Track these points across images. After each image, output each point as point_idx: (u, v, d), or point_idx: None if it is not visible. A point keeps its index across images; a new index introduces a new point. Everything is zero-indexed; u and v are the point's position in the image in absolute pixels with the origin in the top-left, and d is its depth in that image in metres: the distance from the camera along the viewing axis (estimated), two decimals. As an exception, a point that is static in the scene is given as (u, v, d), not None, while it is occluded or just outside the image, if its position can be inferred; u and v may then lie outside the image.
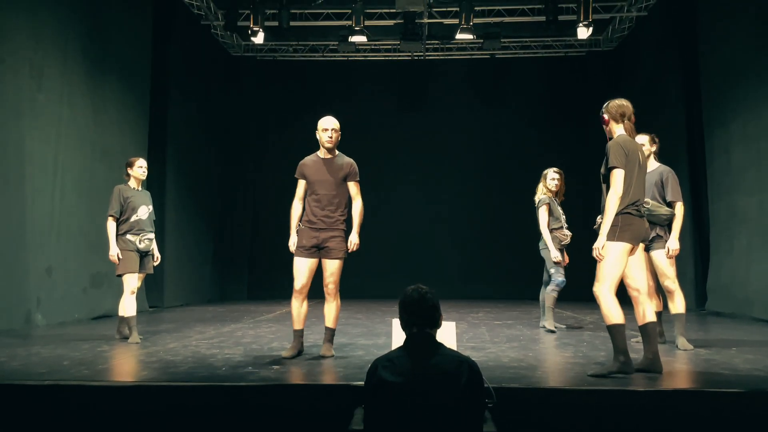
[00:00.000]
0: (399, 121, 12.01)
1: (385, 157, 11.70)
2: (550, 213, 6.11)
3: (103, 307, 7.53)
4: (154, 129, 8.97)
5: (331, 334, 4.49)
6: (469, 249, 11.72)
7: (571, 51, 11.69)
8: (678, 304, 4.85)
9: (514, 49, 11.63)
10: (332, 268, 4.41)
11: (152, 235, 5.46)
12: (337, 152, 4.54)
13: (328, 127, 4.46)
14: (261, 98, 12.19)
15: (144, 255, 5.42)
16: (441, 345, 2.48)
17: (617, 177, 3.65)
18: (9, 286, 5.97)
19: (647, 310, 3.77)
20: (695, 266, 8.63)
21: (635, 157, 3.73)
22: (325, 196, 4.41)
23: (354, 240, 4.46)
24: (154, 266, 5.60)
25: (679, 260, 8.93)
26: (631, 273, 3.82)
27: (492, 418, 2.57)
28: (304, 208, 4.50)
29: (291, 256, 4.52)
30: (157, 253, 5.58)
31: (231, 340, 5.38)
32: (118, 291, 7.83)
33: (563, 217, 6.20)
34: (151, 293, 8.81)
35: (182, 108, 9.80)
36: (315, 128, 4.59)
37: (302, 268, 4.40)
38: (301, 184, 4.52)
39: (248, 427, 3.25)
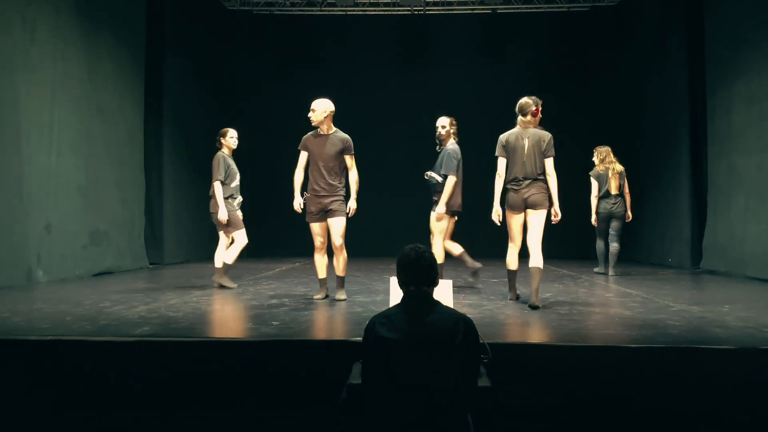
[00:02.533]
0: (397, 77, 11.81)
1: (382, 115, 11.57)
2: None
3: (103, 264, 7.59)
4: (149, 84, 8.84)
5: (341, 281, 5.22)
6: (468, 207, 11.72)
7: (574, 6, 11.44)
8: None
9: (516, 3, 11.38)
10: (337, 225, 5.04)
11: (240, 199, 6.11)
12: (333, 129, 5.13)
13: (311, 107, 5.07)
14: (257, 53, 11.97)
15: None
16: (438, 303, 2.51)
17: (498, 162, 4.90)
18: (9, 243, 6.00)
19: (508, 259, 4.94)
20: (692, 225, 8.65)
21: (514, 145, 4.83)
22: (325, 167, 5.04)
23: (352, 206, 5.10)
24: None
25: (676, 218, 9.06)
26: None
27: (487, 373, 2.62)
28: (306, 177, 5.13)
29: (289, 214, 5.07)
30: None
31: (231, 296, 5.44)
32: (117, 249, 7.94)
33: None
34: (151, 251, 8.86)
35: (178, 63, 9.63)
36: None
37: (318, 230, 5.15)
38: (303, 156, 5.18)
39: (249, 382, 3.32)
